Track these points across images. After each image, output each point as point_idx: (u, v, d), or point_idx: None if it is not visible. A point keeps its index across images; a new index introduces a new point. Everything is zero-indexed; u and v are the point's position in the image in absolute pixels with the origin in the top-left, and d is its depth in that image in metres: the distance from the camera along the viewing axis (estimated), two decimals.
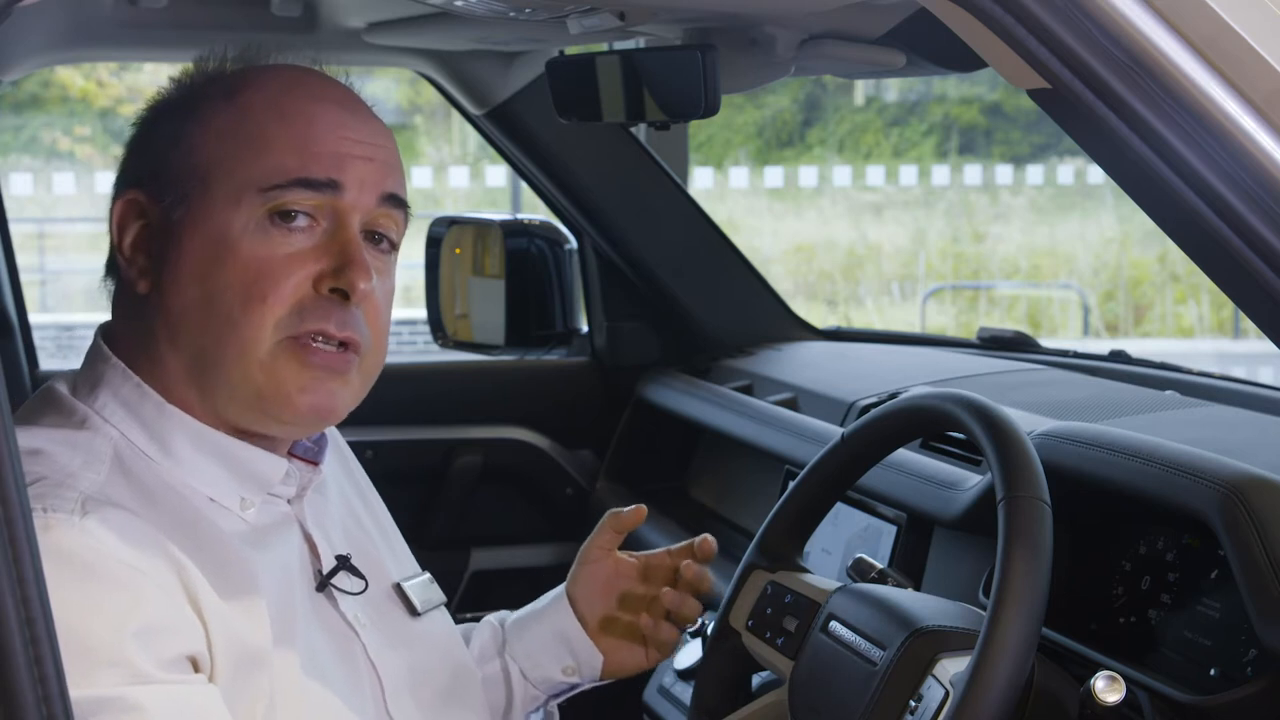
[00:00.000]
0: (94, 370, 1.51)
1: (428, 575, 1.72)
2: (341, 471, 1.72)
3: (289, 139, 1.47)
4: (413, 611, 1.65)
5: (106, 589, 1.33)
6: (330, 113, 1.50)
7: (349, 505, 1.68)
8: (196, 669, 1.37)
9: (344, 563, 1.57)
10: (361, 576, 1.58)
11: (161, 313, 1.48)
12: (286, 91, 1.50)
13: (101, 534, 1.34)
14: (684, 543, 1.90)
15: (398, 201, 1.53)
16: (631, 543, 1.93)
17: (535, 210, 3.35)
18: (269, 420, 1.49)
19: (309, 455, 1.59)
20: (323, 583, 1.55)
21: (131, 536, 1.36)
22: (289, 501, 1.56)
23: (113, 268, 1.54)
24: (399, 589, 1.65)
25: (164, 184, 1.49)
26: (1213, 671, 1.60)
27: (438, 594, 1.71)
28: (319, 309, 1.46)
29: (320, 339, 1.47)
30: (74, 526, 1.34)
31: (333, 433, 1.70)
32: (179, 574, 1.38)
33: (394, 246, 1.55)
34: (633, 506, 1.89)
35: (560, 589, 1.89)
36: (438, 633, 1.68)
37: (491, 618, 1.90)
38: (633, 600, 1.87)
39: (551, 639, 1.85)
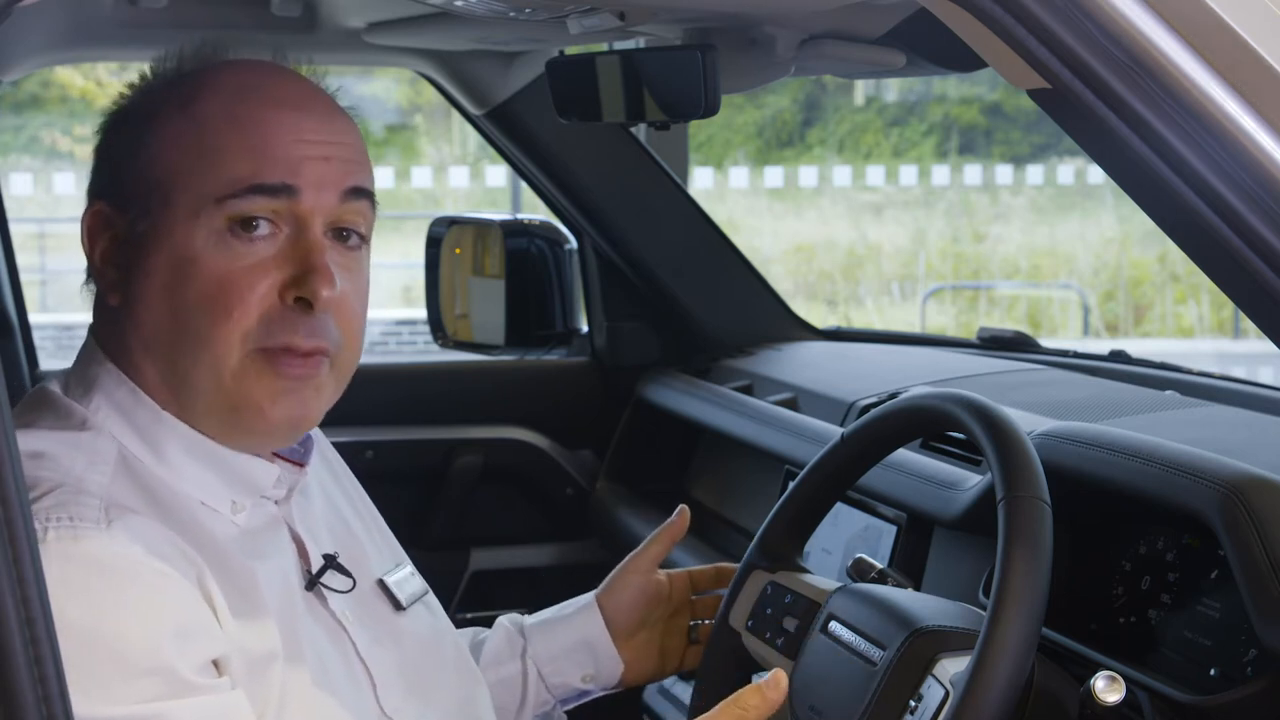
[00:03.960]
0: (87, 372, 1.51)
1: (410, 568, 1.72)
2: (324, 468, 1.72)
3: (243, 148, 1.46)
4: (397, 606, 1.65)
5: (140, 595, 1.33)
6: (285, 117, 1.48)
7: (333, 502, 1.69)
8: (220, 673, 1.38)
9: (331, 561, 1.57)
10: (349, 574, 1.58)
11: (134, 326, 1.48)
12: (241, 98, 1.48)
13: (128, 541, 1.35)
14: (708, 566, 1.93)
15: (361, 193, 1.51)
16: (632, 546, 1.94)
17: (535, 210, 3.35)
18: (243, 433, 1.49)
19: (295, 457, 1.59)
20: (312, 582, 1.55)
21: (155, 541, 1.37)
22: (276, 503, 1.56)
23: (92, 273, 1.54)
24: (382, 584, 1.66)
25: (127, 197, 1.49)
26: (1213, 671, 1.60)
27: (420, 585, 1.71)
28: (286, 321, 1.45)
29: (289, 350, 1.46)
30: (102, 535, 1.34)
31: (314, 430, 1.71)
32: (198, 578, 1.39)
33: (364, 240, 1.54)
34: (677, 510, 1.92)
35: (589, 596, 1.90)
36: (423, 624, 1.68)
37: (504, 620, 1.91)
38: (656, 613, 1.89)
39: (576, 646, 1.86)
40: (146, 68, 1.55)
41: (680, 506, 1.93)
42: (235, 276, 1.44)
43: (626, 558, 1.91)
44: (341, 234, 1.51)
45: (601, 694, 1.90)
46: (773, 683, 1.53)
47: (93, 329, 1.55)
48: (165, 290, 1.46)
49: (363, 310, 1.54)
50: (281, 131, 1.47)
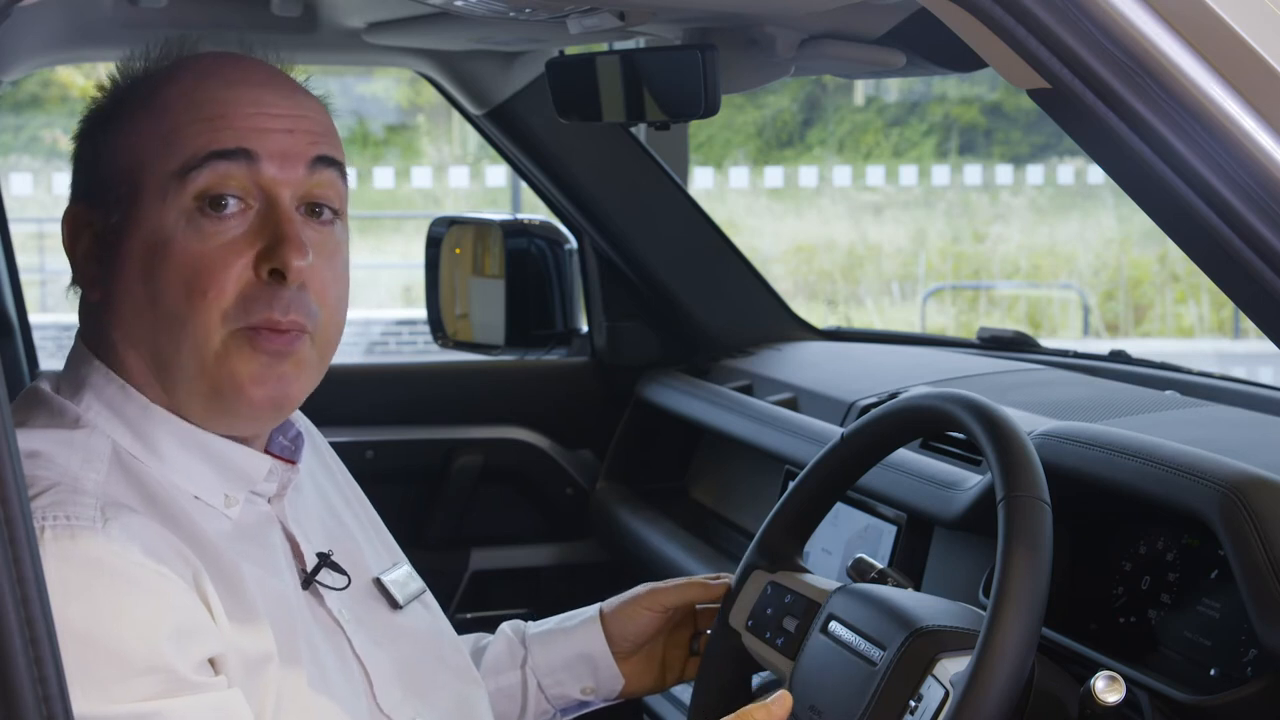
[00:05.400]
0: (77, 373, 1.51)
1: (407, 566, 1.72)
2: (318, 466, 1.72)
3: (200, 121, 1.46)
4: (394, 605, 1.65)
5: (137, 594, 1.33)
6: (244, 94, 1.49)
7: (327, 501, 1.68)
8: (217, 672, 1.38)
9: (326, 560, 1.57)
10: (343, 572, 1.58)
11: (115, 318, 1.49)
12: (200, 83, 1.49)
13: (125, 540, 1.35)
14: (712, 604, 1.90)
15: (329, 162, 1.50)
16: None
17: (535, 210, 3.35)
18: (226, 415, 1.49)
19: (286, 454, 1.59)
20: (307, 580, 1.55)
21: (152, 541, 1.37)
22: (269, 501, 1.56)
23: (75, 273, 1.55)
24: (379, 583, 1.65)
25: (101, 194, 1.50)
26: (1213, 671, 1.60)
27: (417, 584, 1.71)
28: (263, 297, 1.45)
29: (269, 328, 1.46)
30: (99, 534, 1.34)
31: (309, 428, 1.70)
32: (194, 577, 1.39)
33: (336, 214, 1.53)
34: (719, 579, 1.90)
35: (594, 610, 1.89)
36: (420, 623, 1.68)
37: (506, 628, 1.91)
38: (657, 629, 1.89)
39: (577, 659, 1.86)
40: (115, 69, 1.56)
41: (724, 578, 1.90)
42: (209, 256, 1.44)
43: (644, 587, 1.89)
44: (314, 209, 1.51)
45: (602, 705, 1.91)
46: (779, 700, 1.54)
47: (79, 331, 1.55)
48: (142, 277, 1.46)
49: (341, 285, 1.53)
50: (240, 105, 1.48)
